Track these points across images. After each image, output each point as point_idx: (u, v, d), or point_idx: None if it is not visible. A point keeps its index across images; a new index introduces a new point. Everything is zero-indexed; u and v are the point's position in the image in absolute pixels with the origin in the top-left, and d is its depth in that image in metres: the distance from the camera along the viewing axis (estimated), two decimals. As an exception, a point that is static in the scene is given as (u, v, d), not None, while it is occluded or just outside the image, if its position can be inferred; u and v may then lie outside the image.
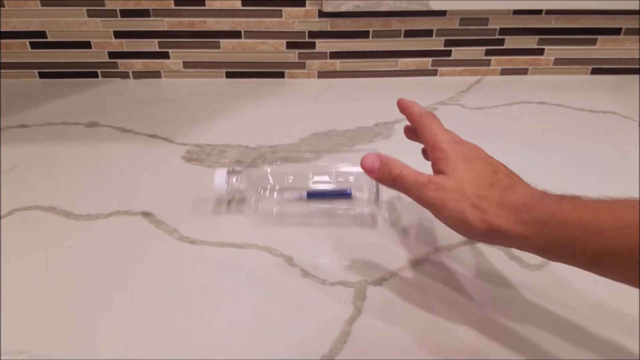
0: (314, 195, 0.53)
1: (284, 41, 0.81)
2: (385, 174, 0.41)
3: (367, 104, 0.77)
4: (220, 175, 0.53)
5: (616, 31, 0.81)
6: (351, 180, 0.53)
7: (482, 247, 0.50)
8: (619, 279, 0.34)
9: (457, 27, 0.80)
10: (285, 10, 0.78)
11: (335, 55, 0.82)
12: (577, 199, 0.35)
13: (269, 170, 0.53)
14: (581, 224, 0.34)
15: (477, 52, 0.83)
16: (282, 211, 0.55)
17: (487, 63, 0.84)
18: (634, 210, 0.32)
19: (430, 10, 0.77)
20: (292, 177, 0.53)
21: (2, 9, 0.77)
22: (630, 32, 0.81)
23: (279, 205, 0.54)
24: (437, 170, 0.40)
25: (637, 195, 0.34)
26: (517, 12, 0.79)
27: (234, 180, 0.54)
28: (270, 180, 0.53)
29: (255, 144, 0.67)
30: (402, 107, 0.47)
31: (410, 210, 0.56)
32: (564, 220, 0.34)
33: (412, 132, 0.47)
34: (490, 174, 0.39)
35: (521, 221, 0.36)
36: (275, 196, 0.53)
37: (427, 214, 0.39)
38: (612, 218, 0.33)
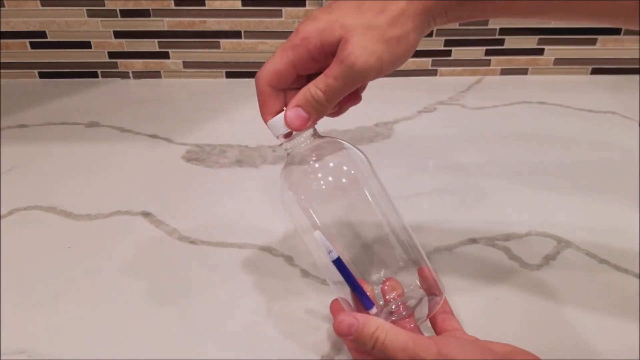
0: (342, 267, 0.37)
1: (284, 41, 0.80)
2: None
3: (367, 104, 0.77)
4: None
5: (616, 31, 0.81)
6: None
7: (482, 247, 0.50)
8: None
9: (457, 27, 0.80)
10: (285, 10, 0.78)
11: (335, 55, 0.82)
12: None
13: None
14: None
15: (477, 52, 0.83)
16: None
17: (487, 63, 0.84)
18: None
19: (430, 10, 0.77)
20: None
21: (2, 9, 0.77)
22: (630, 32, 0.81)
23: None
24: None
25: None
26: (517, 12, 0.79)
27: (294, 140, 0.39)
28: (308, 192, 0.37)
29: (255, 144, 0.67)
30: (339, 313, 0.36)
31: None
32: None
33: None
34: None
35: None
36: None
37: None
38: None
